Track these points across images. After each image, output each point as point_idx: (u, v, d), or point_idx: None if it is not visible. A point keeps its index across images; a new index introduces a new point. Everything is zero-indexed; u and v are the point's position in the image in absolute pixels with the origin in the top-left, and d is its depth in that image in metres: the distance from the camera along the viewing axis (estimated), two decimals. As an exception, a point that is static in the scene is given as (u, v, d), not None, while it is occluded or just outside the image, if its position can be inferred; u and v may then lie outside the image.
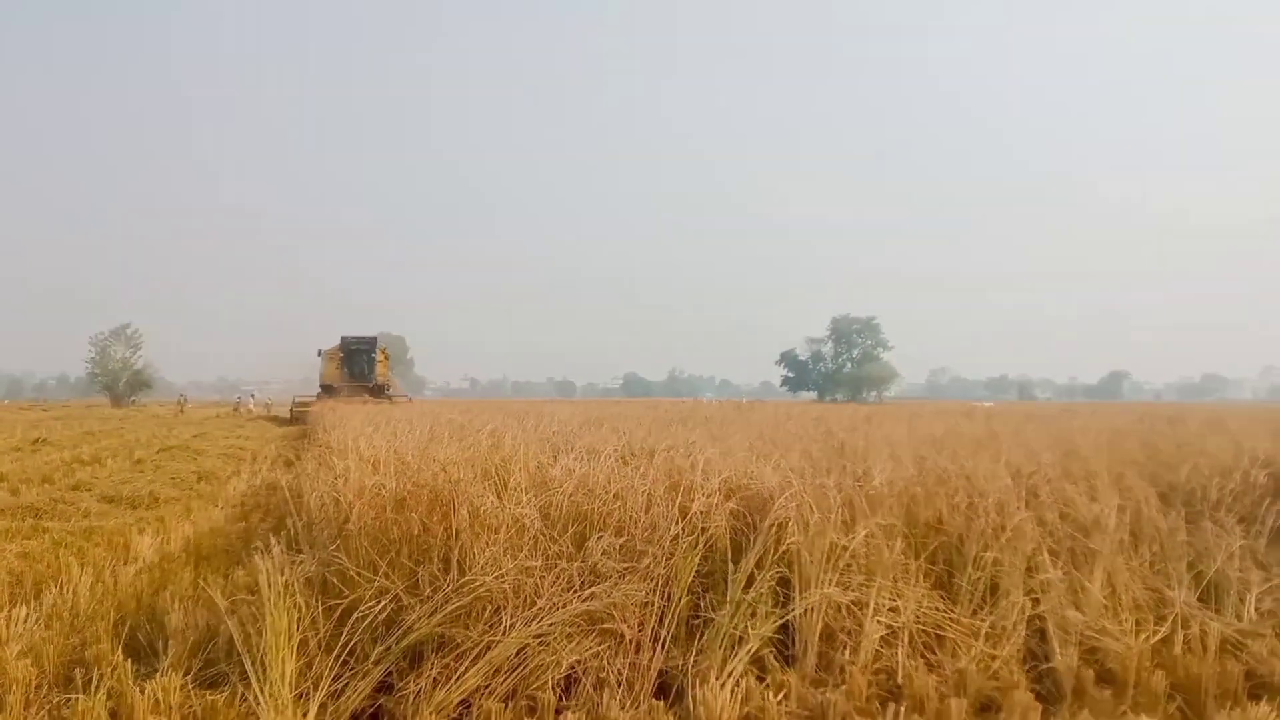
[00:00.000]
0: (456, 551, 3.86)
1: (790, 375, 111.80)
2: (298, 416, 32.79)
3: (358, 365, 38.70)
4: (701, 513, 4.21)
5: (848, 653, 3.76)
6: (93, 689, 3.49)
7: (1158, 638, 3.99)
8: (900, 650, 3.78)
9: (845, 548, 4.11)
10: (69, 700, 3.48)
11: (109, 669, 3.66)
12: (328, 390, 37.15)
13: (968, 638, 3.92)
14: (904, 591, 4.03)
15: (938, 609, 4.05)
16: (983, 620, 4.03)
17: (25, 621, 4.37)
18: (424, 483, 4.10)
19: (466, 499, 4.00)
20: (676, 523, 4.13)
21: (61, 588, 5.03)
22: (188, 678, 3.58)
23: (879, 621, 3.86)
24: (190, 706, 3.42)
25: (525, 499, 4.16)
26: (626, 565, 3.96)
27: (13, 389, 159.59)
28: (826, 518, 4.17)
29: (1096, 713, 3.51)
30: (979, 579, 4.24)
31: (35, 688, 3.61)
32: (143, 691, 3.40)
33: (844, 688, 3.56)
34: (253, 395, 54.62)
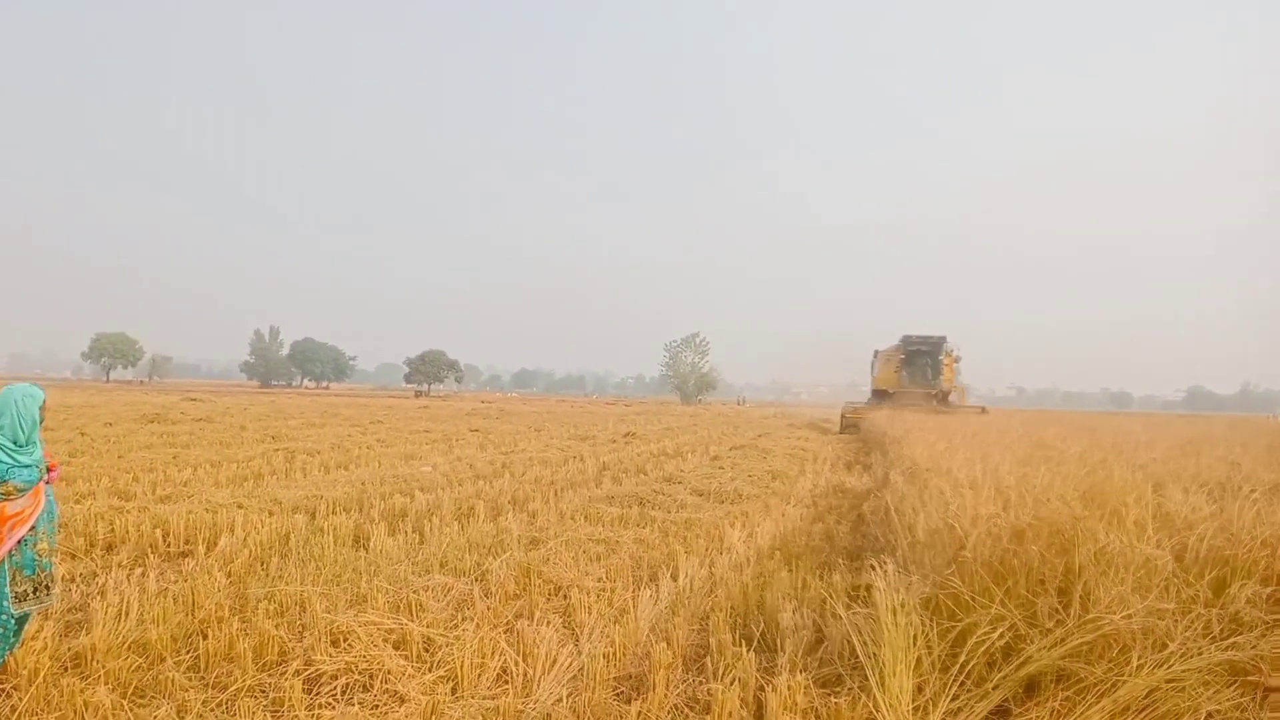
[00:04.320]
0: (1079, 587, 3.72)
1: None
2: (848, 424, 30.01)
3: (920, 369, 34.00)
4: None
5: None
6: (722, 677, 3.87)
7: None
8: None
9: None
10: (702, 684, 3.93)
11: (733, 659, 4.07)
12: (881, 395, 33.58)
13: None
14: None
15: None
16: None
17: (652, 603, 5.07)
18: (1044, 516, 3.98)
19: (1090, 535, 3.82)
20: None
21: (674, 575, 5.73)
22: (807, 676, 3.85)
23: None
24: (813, 705, 3.65)
25: (1153, 537, 3.86)
26: (1275, 617, 3.58)
27: (599, 385, 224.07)
28: None
29: None
30: None
31: (670, 669, 4.06)
32: (773, 688, 3.68)
33: None
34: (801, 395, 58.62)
